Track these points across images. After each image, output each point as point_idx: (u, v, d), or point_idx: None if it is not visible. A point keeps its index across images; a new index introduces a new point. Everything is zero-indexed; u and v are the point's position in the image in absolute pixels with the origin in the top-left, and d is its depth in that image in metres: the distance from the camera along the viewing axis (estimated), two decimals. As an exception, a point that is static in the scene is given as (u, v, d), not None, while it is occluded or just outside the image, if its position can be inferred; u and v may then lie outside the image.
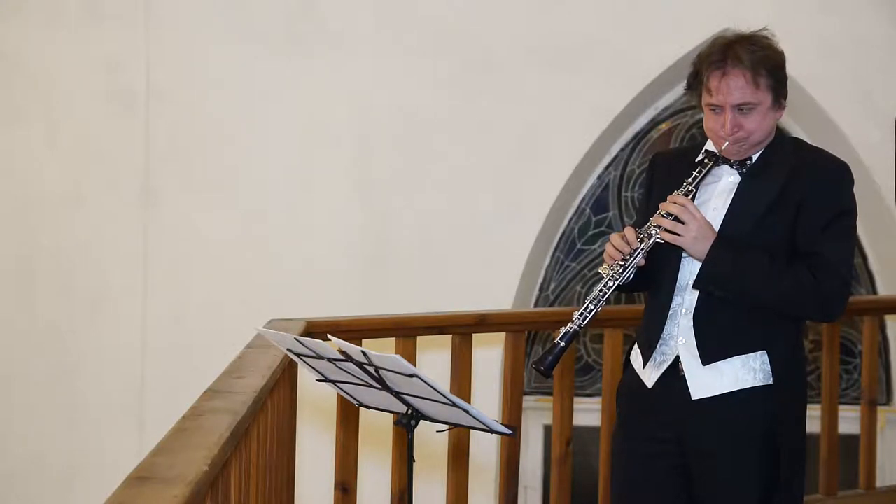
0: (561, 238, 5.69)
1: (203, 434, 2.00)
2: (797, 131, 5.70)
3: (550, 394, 4.32)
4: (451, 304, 4.51)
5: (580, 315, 2.63)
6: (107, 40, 5.43)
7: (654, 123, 5.79)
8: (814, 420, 4.63)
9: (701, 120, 2.82)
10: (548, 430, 5.37)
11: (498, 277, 5.31)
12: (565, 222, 5.67)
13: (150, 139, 5.41)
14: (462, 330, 3.77)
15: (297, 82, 5.40)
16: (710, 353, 2.63)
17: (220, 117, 5.43)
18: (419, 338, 3.72)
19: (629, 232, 2.65)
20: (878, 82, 5.37)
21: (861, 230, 5.75)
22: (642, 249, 2.63)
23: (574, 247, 5.70)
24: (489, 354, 4.86)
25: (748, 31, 2.74)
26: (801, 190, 2.63)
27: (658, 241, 2.62)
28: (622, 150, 5.75)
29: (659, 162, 2.91)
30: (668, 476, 2.70)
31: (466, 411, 2.31)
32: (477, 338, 3.85)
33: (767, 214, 2.63)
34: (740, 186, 2.68)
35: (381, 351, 2.32)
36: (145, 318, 5.41)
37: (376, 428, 3.74)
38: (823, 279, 2.58)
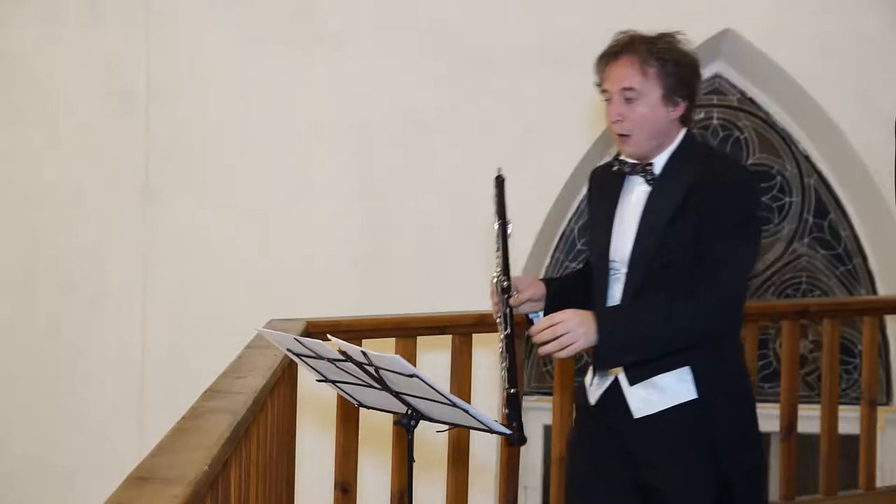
0: (561, 238, 5.69)
1: (203, 434, 1.99)
2: (797, 131, 5.71)
3: (550, 394, 4.32)
4: (451, 304, 4.51)
5: (503, 376, 2.63)
6: (107, 40, 5.43)
7: (654, 123, 5.78)
8: (813, 420, 4.65)
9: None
10: (548, 430, 5.37)
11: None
12: (565, 222, 5.67)
13: (150, 139, 5.41)
14: (462, 330, 3.77)
15: (297, 82, 5.40)
16: (635, 373, 2.63)
17: (220, 117, 5.43)
18: (419, 338, 3.72)
19: (493, 302, 2.69)
20: (878, 82, 5.37)
21: (861, 230, 5.75)
22: (502, 328, 2.65)
23: (574, 247, 5.70)
24: (489, 354, 4.86)
25: (659, 32, 2.74)
26: (701, 200, 2.57)
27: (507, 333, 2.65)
28: (622, 150, 5.75)
29: (595, 177, 2.90)
30: (620, 473, 2.70)
31: (466, 411, 2.31)
32: (477, 338, 3.85)
33: (669, 228, 2.59)
34: (647, 199, 2.65)
35: (381, 351, 2.32)
36: (145, 317, 5.41)
37: (376, 428, 3.74)
38: (708, 296, 2.51)
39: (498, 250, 2.72)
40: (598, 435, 2.74)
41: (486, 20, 5.38)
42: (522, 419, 2.61)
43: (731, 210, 2.55)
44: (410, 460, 2.48)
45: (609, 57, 2.69)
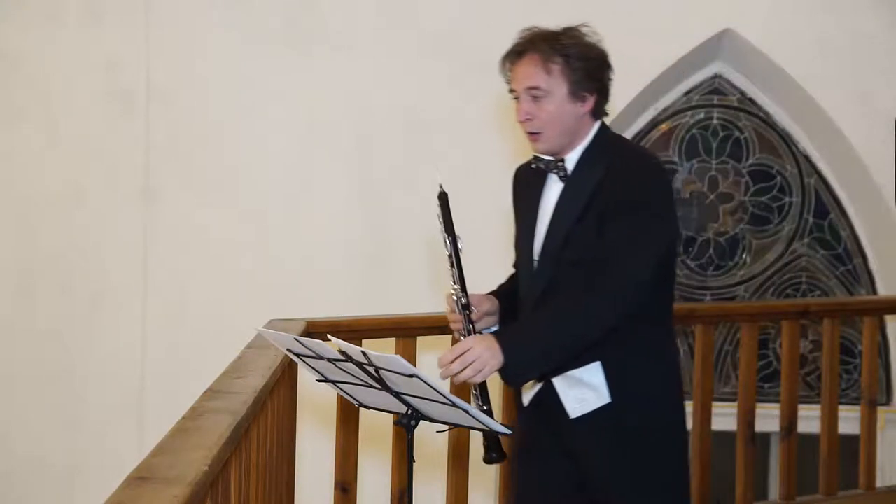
0: (561, 238, 5.68)
1: (203, 434, 1.99)
2: (797, 131, 5.71)
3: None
4: (451, 304, 4.50)
5: (475, 394, 2.63)
6: (107, 40, 5.43)
7: (654, 123, 5.79)
8: (813, 420, 4.65)
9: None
10: (548, 430, 5.36)
11: (498, 278, 5.29)
12: (565, 222, 5.66)
13: (150, 139, 5.41)
14: (462, 330, 3.76)
15: (297, 82, 5.40)
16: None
17: (220, 117, 5.43)
18: (419, 338, 3.72)
19: (453, 320, 2.67)
20: (878, 82, 5.38)
21: (861, 230, 5.75)
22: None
23: (574, 247, 5.69)
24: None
25: (564, 26, 2.72)
26: (606, 195, 2.54)
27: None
28: (622, 150, 5.74)
29: (518, 176, 2.89)
30: (563, 472, 2.69)
31: (466, 411, 2.31)
32: (477, 338, 3.84)
33: (575, 225, 2.57)
34: (559, 196, 2.64)
35: (381, 351, 2.32)
36: (145, 318, 5.41)
37: (376, 428, 3.74)
38: (600, 292, 2.48)
39: (452, 267, 2.70)
40: (538, 436, 2.72)
41: (486, 20, 5.38)
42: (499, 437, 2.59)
43: (631, 203, 2.52)
44: (410, 460, 2.48)
45: (513, 56, 2.69)
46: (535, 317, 2.56)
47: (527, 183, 2.80)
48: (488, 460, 2.62)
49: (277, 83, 5.40)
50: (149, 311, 5.41)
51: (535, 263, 2.69)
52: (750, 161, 5.79)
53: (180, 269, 5.42)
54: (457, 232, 2.76)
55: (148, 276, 5.41)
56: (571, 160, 2.65)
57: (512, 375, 2.51)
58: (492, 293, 2.87)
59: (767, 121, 5.72)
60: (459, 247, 2.73)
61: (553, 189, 2.68)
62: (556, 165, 2.66)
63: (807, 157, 5.74)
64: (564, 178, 2.65)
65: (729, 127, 5.77)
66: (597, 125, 2.68)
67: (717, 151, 5.80)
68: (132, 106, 5.41)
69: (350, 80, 5.37)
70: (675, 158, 5.82)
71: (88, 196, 5.44)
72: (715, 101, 5.76)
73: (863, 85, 5.38)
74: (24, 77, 5.48)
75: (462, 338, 2.67)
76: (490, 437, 2.58)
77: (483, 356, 2.43)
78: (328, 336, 2.46)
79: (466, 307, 2.68)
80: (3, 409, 5.45)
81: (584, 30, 2.69)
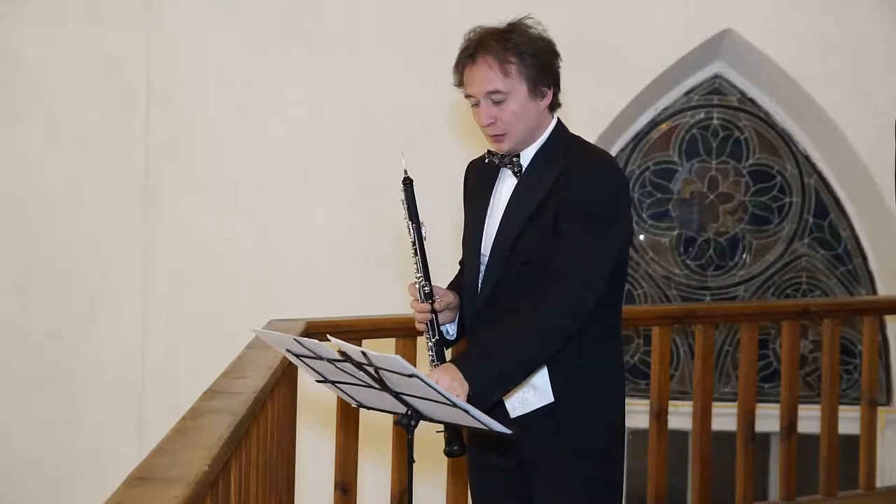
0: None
1: (203, 434, 1.99)
2: (797, 131, 5.71)
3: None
4: (451, 304, 4.50)
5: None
6: (107, 40, 5.44)
7: (654, 124, 5.79)
8: (813, 420, 4.65)
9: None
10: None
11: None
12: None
13: (150, 139, 5.41)
14: (462, 330, 3.76)
15: (297, 82, 5.40)
16: None
17: (221, 117, 5.43)
18: (419, 338, 3.71)
19: (417, 310, 2.64)
20: (878, 82, 5.38)
21: (861, 230, 5.76)
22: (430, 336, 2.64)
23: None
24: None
25: (508, 22, 2.66)
26: (561, 196, 2.50)
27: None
28: (622, 150, 5.75)
29: (470, 172, 2.85)
30: (514, 479, 2.66)
31: (467, 411, 2.31)
32: (477, 338, 3.84)
33: (528, 223, 2.53)
34: (512, 193, 2.60)
35: (381, 351, 2.31)
36: (145, 317, 5.41)
37: (376, 428, 3.74)
38: (553, 301, 2.43)
39: (416, 255, 2.65)
40: (489, 443, 2.67)
41: (486, 20, 5.37)
42: (461, 430, 2.56)
43: (587, 205, 2.47)
44: (410, 460, 2.48)
45: (465, 60, 2.64)
46: (494, 336, 2.49)
47: (477, 179, 2.77)
48: (449, 453, 2.61)
49: (277, 83, 5.41)
50: (149, 311, 5.41)
51: (484, 260, 2.64)
52: (750, 161, 5.79)
53: (180, 269, 5.42)
54: (421, 219, 2.71)
55: (148, 276, 5.41)
56: (527, 156, 2.62)
57: (481, 402, 2.44)
58: (449, 288, 2.82)
59: (767, 121, 5.72)
60: (423, 234, 2.69)
61: (506, 185, 2.65)
62: (511, 161, 2.62)
63: (807, 157, 5.74)
64: (519, 173, 2.61)
65: (729, 127, 5.77)
66: (554, 121, 2.66)
67: (717, 151, 5.80)
68: (132, 106, 5.42)
69: (350, 80, 5.37)
70: (675, 158, 5.82)
71: (88, 196, 5.44)
72: (715, 101, 5.76)
73: (863, 85, 5.39)
74: (24, 77, 5.49)
75: (423, 328, 2.66)
76: (451, 430, 2.55)
77: (452, 385, 2.38)
78: (328, 336, 2.45)
79: (430, 296, 2.64)
80: (3, 409, 5.46)
81: (528, 22, 2.65)
